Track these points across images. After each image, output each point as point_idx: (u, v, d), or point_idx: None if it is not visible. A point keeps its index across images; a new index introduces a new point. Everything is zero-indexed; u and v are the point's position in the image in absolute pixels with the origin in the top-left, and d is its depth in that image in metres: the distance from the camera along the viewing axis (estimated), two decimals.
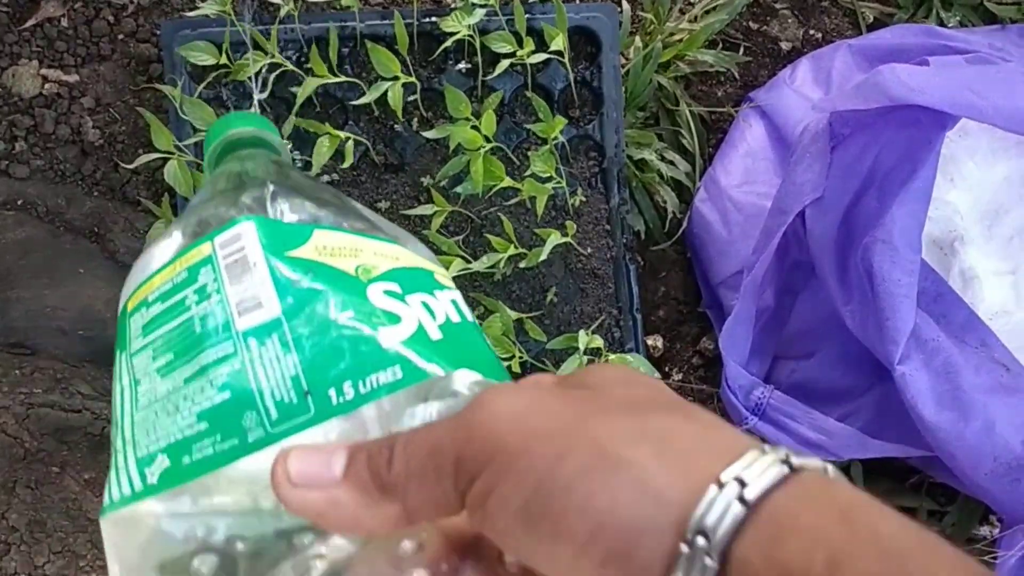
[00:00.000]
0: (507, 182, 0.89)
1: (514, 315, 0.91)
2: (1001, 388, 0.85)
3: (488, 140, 0.88)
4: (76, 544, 0.89)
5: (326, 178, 0.95)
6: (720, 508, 0.22)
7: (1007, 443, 0.85)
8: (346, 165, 0.89)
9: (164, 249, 0.37)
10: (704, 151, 1.07)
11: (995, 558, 0.91)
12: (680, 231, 1.05)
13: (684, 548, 0.22)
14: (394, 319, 0.33)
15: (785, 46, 1.13)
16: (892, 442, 0.90)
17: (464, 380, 0.31)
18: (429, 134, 0.91)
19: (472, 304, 0.96)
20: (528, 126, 0.94)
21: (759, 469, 0.23)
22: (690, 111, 1.05)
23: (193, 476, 0.29)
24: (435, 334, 0.33)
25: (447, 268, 0.87)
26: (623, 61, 1.03)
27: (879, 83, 0.83)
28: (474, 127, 0.88)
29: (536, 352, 0.94)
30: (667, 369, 1.05)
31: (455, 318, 0.35)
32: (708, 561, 0.22)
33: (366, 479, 0.26)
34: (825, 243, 0.89)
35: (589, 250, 0.99)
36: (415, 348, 0.32)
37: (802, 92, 1.03)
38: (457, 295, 0.37)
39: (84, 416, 0.93)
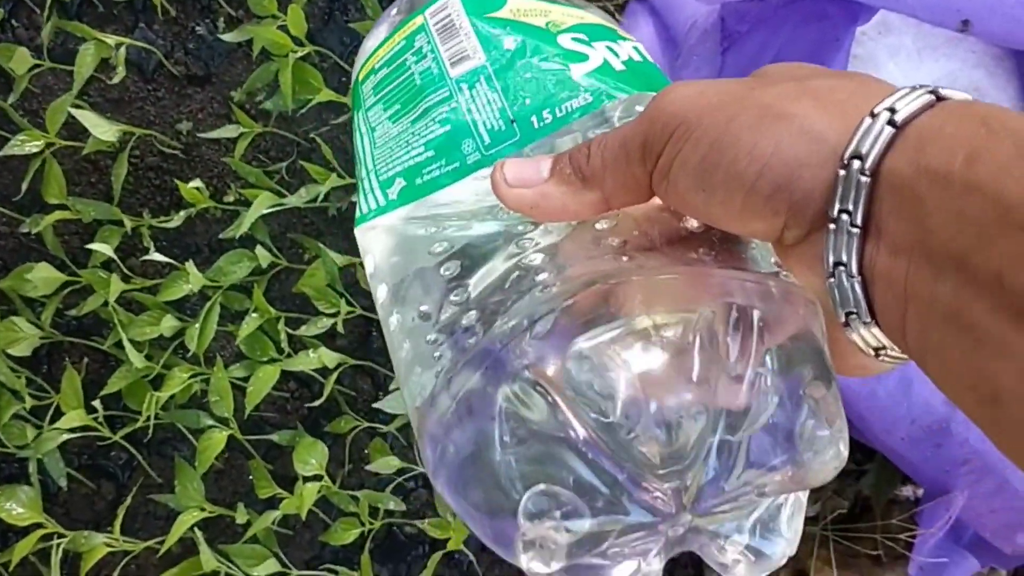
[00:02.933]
0: (327, 95, 0.72)
1: (343, 260, 0.74)
2: None
3: (301, 43, 0.71)
4: None
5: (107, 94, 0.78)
6: (873, 134, 0.25)
7: (927, 403, 0.71)
8: (116, 80, 0.72)
9: (382, 28, 0.43)
10: None
11: (913, 537, 0.79)
12: None
13: (841, 172, 0.25)
14: (582, 57, 0.38)
15: None
16: None
17: (647, 101, 0.33)
18: (228, 37, 0.73)
19: (291, 246, 0.79)
20: (353, 25, 0.76)
21: (909, 99, 0.25)
22: None
23: (426, 192, 0.36)
24: (619, 67, 0.37)
25: (254, 201, 0.71)
26: None
27: None
28: (281, 27, 0.71)
29: (372, 306, 0.78)
30: None
31: (637, 58, 0.39)
32: (862, 179, 0.25)
33: (569, 174, 0.31)
34: None
35: None
36: (602, 78, 0.37)
37: None
38: (640, 46, 0.41)
39: None
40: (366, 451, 0.79)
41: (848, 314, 0.26)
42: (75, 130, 0.74)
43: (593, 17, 0.42)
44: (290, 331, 0.74)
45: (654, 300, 0.28)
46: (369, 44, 0.44)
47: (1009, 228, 0.22)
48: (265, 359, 0.73)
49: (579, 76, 0.37)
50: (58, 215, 0.71)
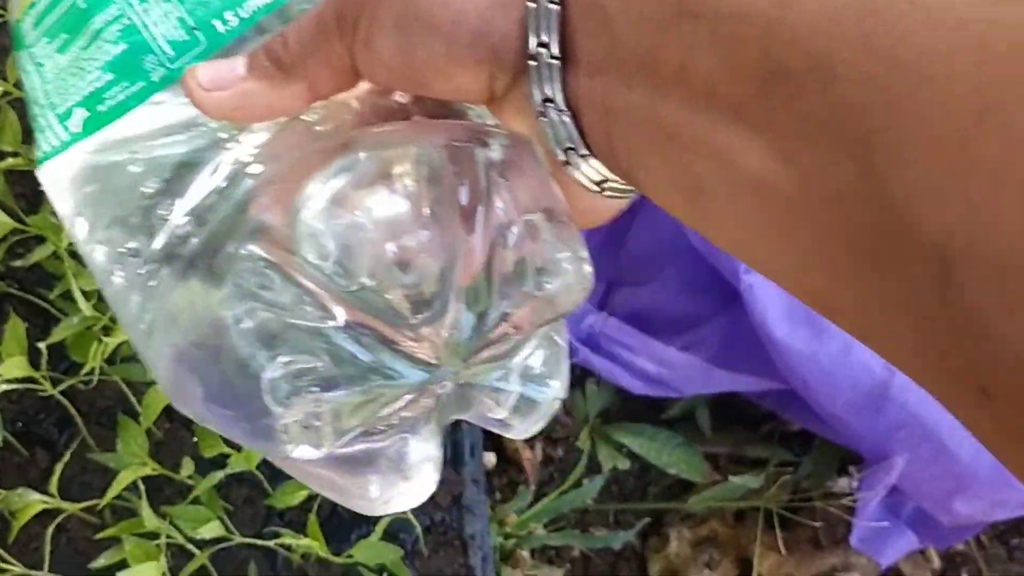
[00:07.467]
0: None
1: None
2: None
3: None
4: None
5: None
6: None
7: (866, 365, 0.74)
8: None
9: None
10: None
11: (855, 501, 0.80)
12: None
13: (531, 5, 0.25)
14: None
15: None
16: (741, 373, 0.78)
17: None
18: None
19: None
20: None
21: None
22: None
23: (111, 119, 0.34)
24: None
25: None
26: None
27: None
28: None
29: None
30: None
31: None
32: (551, 6, 0.24)
33: (268, 66, 0.29)
34: None
35: None
36: None
37: None
38: None
39: None
40: None
41: (567, 150, 0.27)
42: None
43: None
44: None
45: (374, 145, 0.28)
46: None
47: (684, 18, 0.22)
48: None
49: None
50: (11, 162, 0.71)
